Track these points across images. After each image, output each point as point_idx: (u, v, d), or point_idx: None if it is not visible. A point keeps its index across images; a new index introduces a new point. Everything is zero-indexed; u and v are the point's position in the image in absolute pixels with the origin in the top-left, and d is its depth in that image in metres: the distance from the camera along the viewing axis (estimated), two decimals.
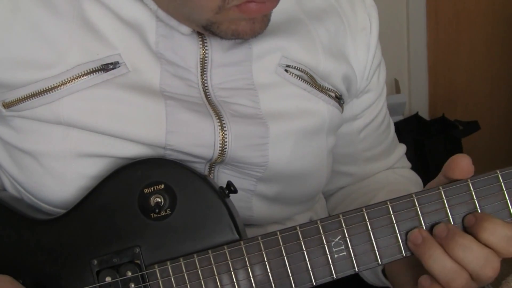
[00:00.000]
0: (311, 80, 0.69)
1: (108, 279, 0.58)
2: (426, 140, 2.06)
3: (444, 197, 0.56)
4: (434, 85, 2.44)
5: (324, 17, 0.73)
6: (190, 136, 0.63)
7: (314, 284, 0.58)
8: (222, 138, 0.64)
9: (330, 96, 0.71)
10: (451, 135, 2.09)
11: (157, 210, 0.58)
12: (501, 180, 0.56)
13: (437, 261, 0.53)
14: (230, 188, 0.60)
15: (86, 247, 0.59)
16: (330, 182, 0.88)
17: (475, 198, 0.56)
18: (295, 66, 0.68)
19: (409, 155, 0.91)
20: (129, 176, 0.59)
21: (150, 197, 0.58)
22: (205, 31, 0.62)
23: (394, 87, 2.48)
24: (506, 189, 0.56)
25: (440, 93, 2.45)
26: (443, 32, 2.34)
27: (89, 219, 0.59)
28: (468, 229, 0.55)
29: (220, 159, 0.65)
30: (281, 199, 0.72)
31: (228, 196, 0.60)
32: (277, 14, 0.69)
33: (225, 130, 0.64)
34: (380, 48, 0.79)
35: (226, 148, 0.64)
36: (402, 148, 0.90)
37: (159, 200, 0.58)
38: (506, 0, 2.26)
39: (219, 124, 0.64)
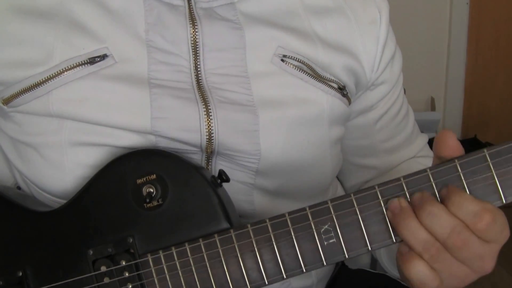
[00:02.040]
0: (311, 70, 0.70)
1: (103, 268, 0.60)
2: None
3: (432, 180, 0.56)
4: (469, 106, 2.46)
5: (324, 14, 0.74)
6: (175, 121, 0.65)
7: (304, 271, 0.58)
8: (208, 123, 0.65)
9: (331, 86, 0.72)
10: None
11: (148, 200, 0.59)
12: (489, 160, 0.55)
13: (411, 231, 0.53)
14: (222, 177, 0.61)
15: (82, 238, 0.61)
16: (354, 177, 0.88)
17: (463, 180, 0.55)
18: (292, 57, 0.70)
19: None
20: (123, 167, 0.61)
21: (143, 187, 0.60)
22: None
23: (430, 104, 2.49)
24: (494, 169, 0.55)
25: (474, 114, 2.46)
26: (482, 57, 2.39)
27: (85, 211, 0.61)
28: (442, 202, 0.54)
29: (210, 147, 0.66)
30: (284, 193, 0.72)
31: (221, 185, 0.61)
32: (275, 5, 0.71)
33: (211, 116, 0.65)
34: (394, 41, 0.80)
35: (213, 133, 0.65)
36: (424, 137, 0.90)
37: (151, 190, 0.60)
38: None
39: (205, 109, 0.65)
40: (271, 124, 0.68)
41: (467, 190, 0.55)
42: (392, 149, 0.84)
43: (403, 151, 0.85)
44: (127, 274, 0.59)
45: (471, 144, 2.20)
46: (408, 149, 0.86)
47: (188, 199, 0.60)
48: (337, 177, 0.90)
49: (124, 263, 0.60)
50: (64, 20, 0.65)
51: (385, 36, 0.76)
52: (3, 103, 0.67)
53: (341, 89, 0.73)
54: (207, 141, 0.66)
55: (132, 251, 0.60)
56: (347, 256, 0.58)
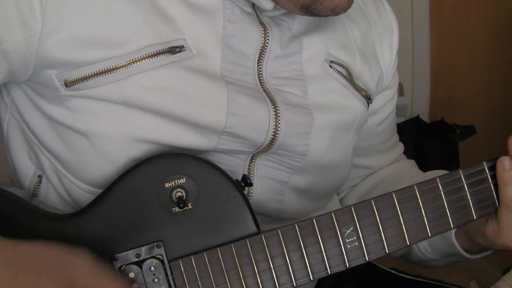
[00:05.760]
0: (350, 78, 0.75)
1: (131, 274, 0.59)
2: (425, 141, 2.20)
3: (441, 190, 0.63)
4: (435, 89, 2.57)
5: (357, 19, 0.79)
6: (248, 119, 0.66)
7: (329, 273, 0.61)
8: (276, 124, 0.67)
9: (362, 95, 0.77)
10: (449, 138, 2.24)
11: (181, 205, 0.59)
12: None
13: None
14: (246, 180, 0.63)
15: (108, 242, 0.59)
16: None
17: (467, 190, 0.64)
18: (338, 63, 0.74)
19: (409, 155, 0.98)
20: (150, 170, 0.60)
21: (172, 192, 0.60)
22: (301, 9, 0.64)
23: (398, 90, 2.60)
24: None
25: (441, 97, 2.58)
26: (445, 41, 2.50)
27: (111, 214, 0.59)
28: None
29: (268, 147, 0.68)
30: (311, 192, 0.76)
31: (244, 189, 0.63)
32: None
33: (279, 117, 0.67)
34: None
35: (278, 135, 0.67)
36: (402, 145, 0.97)
37: (181, 194, 0.60)
38: (501, 13, 2.48)
39: (274, 110, 0.67)
40: (321, 127, 0.71)
41: (471, 203, 0.64)
42: (383, 150, 0.91)
43: (391, 152, 0.92)
44: (156, 280, 0.59)
45: (439, 126, 2.32)
46: (395, 151, 0.93)
47: (217, 204, 0.61)
48: None
49: (153, 268, 0.59)
50: (148, 4, 0.63)
51: (396, 45, 0.84)
52: (65, 85, 0.62)
53: (368, 98, 0.78)
54: (270, 141, 0.67)
55: (160, 256, 0.59)
56: (367, 259, 0.62)
